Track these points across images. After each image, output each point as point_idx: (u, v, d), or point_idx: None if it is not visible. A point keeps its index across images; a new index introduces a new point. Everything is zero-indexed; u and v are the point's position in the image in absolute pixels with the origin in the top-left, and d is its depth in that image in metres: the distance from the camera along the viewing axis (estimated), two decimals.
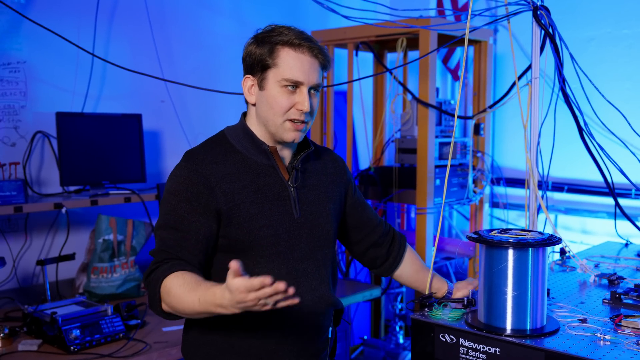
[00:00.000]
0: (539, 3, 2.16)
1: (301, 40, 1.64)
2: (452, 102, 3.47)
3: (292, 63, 1.63)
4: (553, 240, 1.62)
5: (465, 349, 1.63)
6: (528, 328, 1.60)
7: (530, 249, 1.59)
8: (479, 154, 3.59)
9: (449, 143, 3.44)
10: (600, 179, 2.40)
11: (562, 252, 2.46)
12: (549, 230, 2.63)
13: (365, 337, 3.83)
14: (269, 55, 1.64)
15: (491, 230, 1.72)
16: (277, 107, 1.65)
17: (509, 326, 1.61)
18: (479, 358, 1.60)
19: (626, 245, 2.74)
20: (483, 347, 1.60)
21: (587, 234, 3.75)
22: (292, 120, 1.66)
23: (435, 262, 3.42)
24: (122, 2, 3.15)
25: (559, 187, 3.77)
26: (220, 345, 1.70)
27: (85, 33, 3.01)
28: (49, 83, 2.92)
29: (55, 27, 2.52)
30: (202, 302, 1.43)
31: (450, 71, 4.16)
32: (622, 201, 3.18)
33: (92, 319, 2.36)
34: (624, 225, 2.75)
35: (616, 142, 2.93)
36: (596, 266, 2.33)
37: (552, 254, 2.52)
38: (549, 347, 1.50)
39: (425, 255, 3.14)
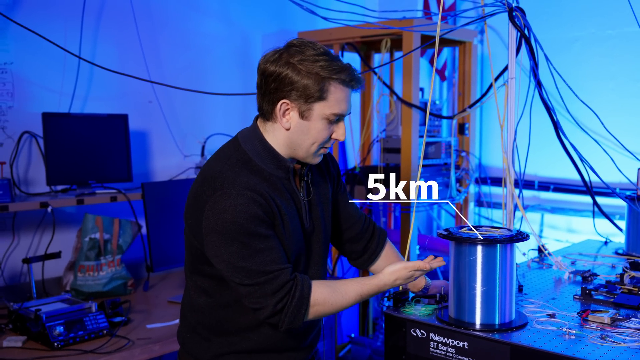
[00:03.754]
0: (514, 4, 2.19)
1: (352, 77, 1.64)
2: (437, 102, 3.50)
3: (340, 97, 1.63)
4: (521, 236, 1.66)
5: (435, 344, 1.66)
6: (496, 323, 1.64)
7: (498, 245, 1.63)
8: (463, 154, 3.63)
9: (434, 143, 3.47)
10: (585, 178, 2.43)
11: (540, 250, 2.50)
12: (526, 228, 2.67)
13: (353, 335, 3.86)
14: (317, 88, 1.60)
15: (462, 227, 1.75)
16: (319, 138, 1.66)
17: (478, 321, 1.64)
18: (449, 352, 1.64)
19: (605, 243, 2.77)
20: (452, 342, 1.63)
21: (572, 232, 3.78)
22: (324, 147, 1.70)
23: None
24: (109, 4, 3.18)
25: (545, 186, 3.80)
26: (223, 343, 1.72)
27: (72, 35, 3.03)
28: (36, 84, 2.94)
29: (42, 28, 2.54)
30: (365, 294, 1.67)
31: (436, 72, 4.20)
32: (607, 200, 3.21)
33: (76, 316, 2.38)
34: (607, 224, 2.78)
35: (599, 140, 2.96)
36: (573, 263, 2.37)
37: (530, 252, 2.55)
38: (514, 341, 1.53)
39: (410, 253, 3.17)
